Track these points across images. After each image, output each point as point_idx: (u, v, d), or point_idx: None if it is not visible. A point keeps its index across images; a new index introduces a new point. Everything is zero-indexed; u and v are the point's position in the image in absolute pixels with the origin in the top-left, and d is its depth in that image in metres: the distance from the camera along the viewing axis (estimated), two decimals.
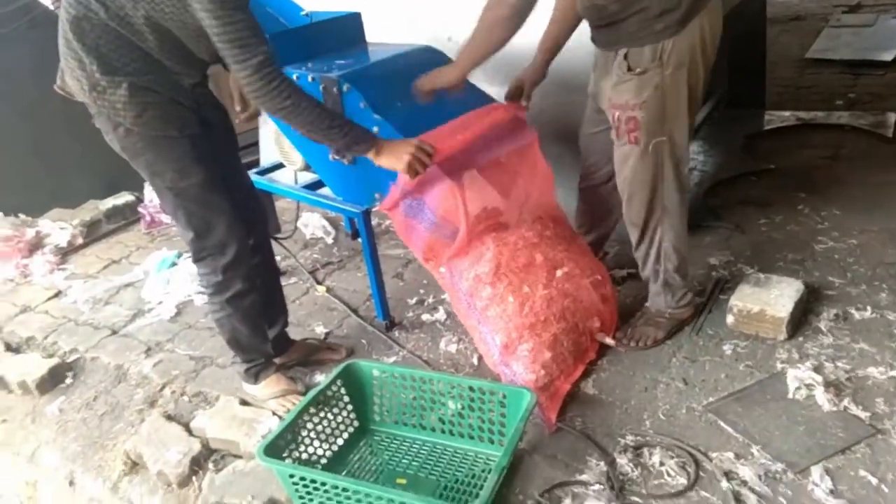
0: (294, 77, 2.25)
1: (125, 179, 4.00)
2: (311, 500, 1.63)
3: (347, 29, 2.54)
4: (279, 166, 2.79)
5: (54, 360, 2.53)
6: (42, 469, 2.23)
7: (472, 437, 1.88)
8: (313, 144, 2.37)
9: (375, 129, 2.11)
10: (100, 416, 2.30)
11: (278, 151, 2.69)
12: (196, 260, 2.01)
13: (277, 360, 2.24)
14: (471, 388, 1.86)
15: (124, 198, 3.80)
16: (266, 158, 3.09)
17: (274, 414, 2.09)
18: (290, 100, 1.71)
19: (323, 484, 1.57)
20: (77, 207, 3.80)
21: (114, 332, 2.71)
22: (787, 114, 3.91)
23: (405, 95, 2.13)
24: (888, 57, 4.61)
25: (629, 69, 1.90)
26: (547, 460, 1.84)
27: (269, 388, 2.14)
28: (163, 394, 2.34)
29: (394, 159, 1.91)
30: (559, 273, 2.18)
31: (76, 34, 1.70)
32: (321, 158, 2.35)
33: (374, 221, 2.51)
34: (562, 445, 1.88)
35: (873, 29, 5.27)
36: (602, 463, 1.80)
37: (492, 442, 1.86)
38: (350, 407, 1.94)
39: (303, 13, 2.67)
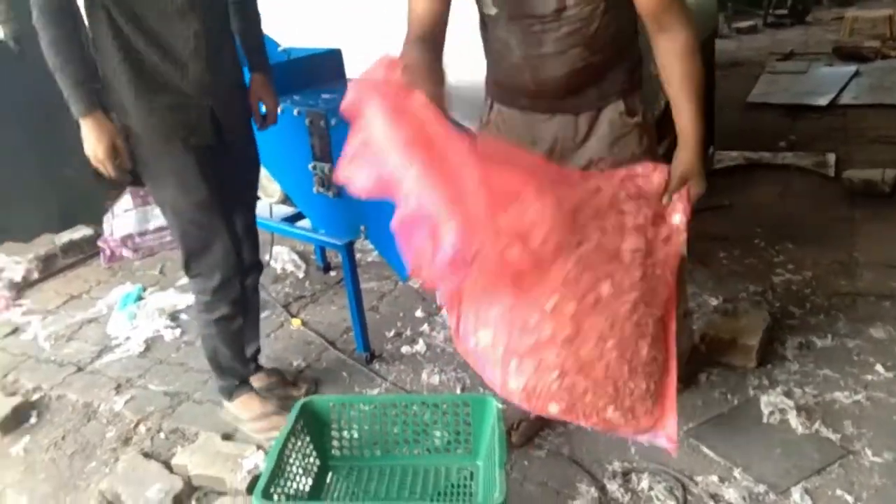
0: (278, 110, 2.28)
1: (80, 212, 3.91)
2: None
3: (328, 65, 2.58)
4: None
5: (17, 399, 2.43)
6: None
7: (439, 452, 1.88)
8: (295, 177, 2.40)
9: None
10: (69, 455, 2.21)
11: None
12: (188, 276, 2.04)
13: None
14: (435, 405, 1.85)
15: (81, 231, 3.70)
16: None
17: (259, 448, 2.05)
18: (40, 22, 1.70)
19: None
20: (30, 241, 3.67)
21: (80, 369, 2.62)
22: (735, 154, 4.11)
23: None
24: (823, 102, 4.93)
25: (631, 115, 1.74)
26: (539, 488, 1.87)
27: (242, 407, 2.15)
28: (137, 431, 2.27)
29: (90, 145, 1.79)
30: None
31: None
32: (303, 191, 2.37)
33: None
34: (552, 473, 1.91)
35: (807, 75, 5.63)
36: (593, 489, 1.84)
37: (457, 451, 1.85)
38: (311, 445, 1.91)
39: (279, 49, 2.70)
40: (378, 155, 1.33)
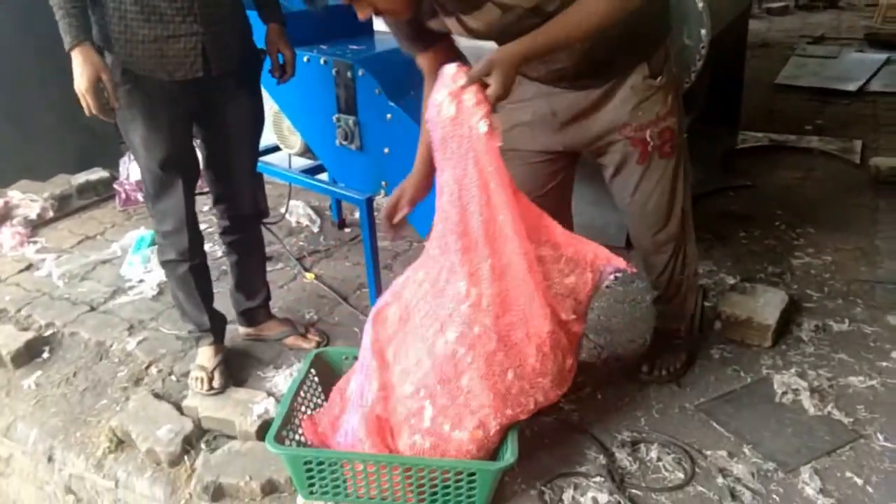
0: (305, 59, 2.25)
1: (97, 155, 3.90)
2: (321, 479, 1.62)
3: (356, 18, 2.52)
4: (274, 149, 2.76)
5: (30, 334, 2.44)
6: (18, 444, 2.15)
7: None
8: (317, 128, 2.38)
9: (388, 115, 2.11)
10: (81, 391, 2.23)
11: (275, 133, 2.66)
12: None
13: (245, 331, 2.35)
14: None
15: (97, 173, 3.69)
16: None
17: (269, 395, 2.06)
18: None
19: (343, 465, 1.55)
20: (46, 181, 3.67)
21: (92, 309, 2.63)
22: (759, 135, 4.05)
23: (418, 85, 2.13)
24: (853, 88, 4.84)
25: (655, 77, 1.71)
26: (546, 452, 1.87)
27: (199, 357, 2.18)
28: (149, 372, 2.28)
29: (76, 76, 1.72)
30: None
31: None
32: (325, 143, 2.34)
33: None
34: (561, 439, 1.91)
35: (837, 60, 5.52)
36: (601, 456, 1.84)
37: None
38: (322, 396, 1.91)
39: None
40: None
